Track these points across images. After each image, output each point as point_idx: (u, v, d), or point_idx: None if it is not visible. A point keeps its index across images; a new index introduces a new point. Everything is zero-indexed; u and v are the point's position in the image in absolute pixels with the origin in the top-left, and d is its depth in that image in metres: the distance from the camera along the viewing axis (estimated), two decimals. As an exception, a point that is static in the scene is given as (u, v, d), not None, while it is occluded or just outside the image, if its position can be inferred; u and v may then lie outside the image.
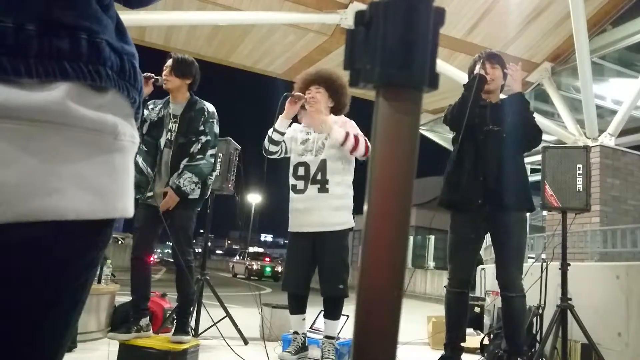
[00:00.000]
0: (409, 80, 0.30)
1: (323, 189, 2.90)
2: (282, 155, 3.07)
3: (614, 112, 7.24)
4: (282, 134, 2.94)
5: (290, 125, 3.03)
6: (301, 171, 2.98)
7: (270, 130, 2.95)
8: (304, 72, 3.20)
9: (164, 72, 3.18)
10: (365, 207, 0.31)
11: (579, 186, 3.59)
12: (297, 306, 3.00)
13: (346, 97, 3.10)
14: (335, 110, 3.07)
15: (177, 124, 3.19)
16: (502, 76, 3.03)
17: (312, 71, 3.16)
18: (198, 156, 3.11)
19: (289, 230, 3.06)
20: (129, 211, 0.55)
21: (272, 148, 2.98)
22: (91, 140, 0.49)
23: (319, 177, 2.92)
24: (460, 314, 2.89)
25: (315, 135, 2.99)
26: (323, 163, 2.92)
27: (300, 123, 3.19)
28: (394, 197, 0.29)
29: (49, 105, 0.46)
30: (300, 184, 2.98)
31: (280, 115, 2.91)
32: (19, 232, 0.44)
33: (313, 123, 2.95)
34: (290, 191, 3.03)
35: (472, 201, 2.80)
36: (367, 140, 2.95)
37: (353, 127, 3.02)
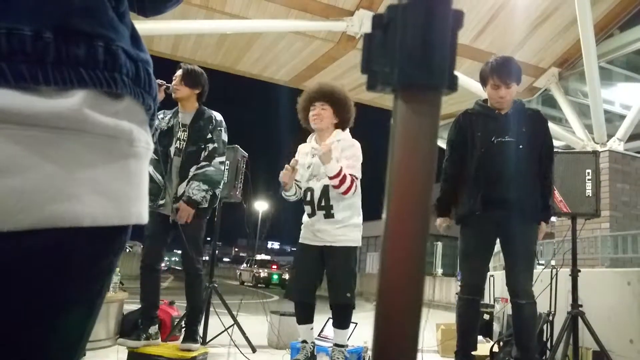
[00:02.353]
0: (429, 81, 0.30)
1: (329, 214, 2.94)
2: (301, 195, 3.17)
3: (622, 117, 7.19)
4: (293, 194, 3.09)
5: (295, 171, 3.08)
6: (308, 197, 3.03)
7: (283, 193, 3.08)
8: (305, 90, 3.18)
9: (174, 82, 3.22)
10: (384, 213, 0.30)
11: (589, 191, 3.56)
12: (305, 316, 2.99)
13: (350, 111, 3.10)
14: (339, 125, 3.08)
15: (186, 133, 3.22)
16: (516, 89, 2.91)
17: (315, 88, 3.12)
18: (204, 163, 3.14)
19: (300, 241, 3.12)
20: (144, 217, 0.55)
21: (290, 199, 3.11)
22: (107, 146, 0.50)
23: (323, 203, 2.95)
24: (471, 321, 2.87)
25: (317, 160, 2.98)
26: (325, 189, 2.94)
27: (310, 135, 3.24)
28: (414, 201, 0.29)
29: (67, 112, 0.46)
30: (308, 209, 3.04)
31: (283, 186, 3.01)
32: (36, 238, 0.44)
33: (322, 155, 2.93)
34: (304, 215, 3.13)
35: (480, 212, 2.79)
36: (353, 181, 2.94)
37: (353, 158, 3.01)
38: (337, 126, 3.07)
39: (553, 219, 6.33)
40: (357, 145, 3.05)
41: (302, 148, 3.19)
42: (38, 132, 0.44)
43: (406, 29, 0.30)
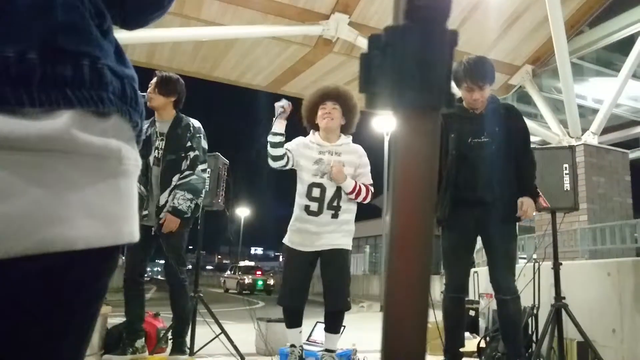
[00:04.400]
0: (428, 102, 0.30)
1: (335, 215, 2.93)
2: (288, 166, 2.99)
3: (595, 111, 7.36)
4: (281, 134, 2.90)
5: (286, 137, 2.99)
6: (316, 193, 2.93)
7: (269, 135, 2.91)
8: (317, 89, 3.17)
9: (149, 90, 3.18)
10: (387, 233, 0.31)
11: (567, 186, 3.63)
12: (294, 320, 2.98)
13: (356, 117, 3.14)
14: (344, 129, 3.10)
15: (164, 142, 3.18)
16: (489, 88, 2.93)
17: (331, 86, 3.16)
18: (187, 172, 3.11)
19: (290, 246, 3.00)
20: (135, 235, 0.54)
21: (275, 152, 2.88)
22: (96, 166, 0.49)
23: (334, 203, 2.93)
24: (458, 319, 2.90)
25: (329, 157, 2.97)
26: (340, 190, 2.94)
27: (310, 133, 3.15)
28: (416, 221, 0.30)
29: (54, 134, 0.45)
30: (314, 206, 2.92)
31: (275, 119, 2.89)
32: (29, 264, 0.43)
33: (336, 173, 2.93)
34: (302, 210, 2.95)
35: (459, 214, 2.82)
36: (368, 189, 3.04)
37: (366, 167, 3.09)
38: (341, 128, 3.09)
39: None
40: (362, 151, 3.10)
41: (301, 139, 3.12)
42: (25, 156, 0.44)
43: (405, 51, 0.30)
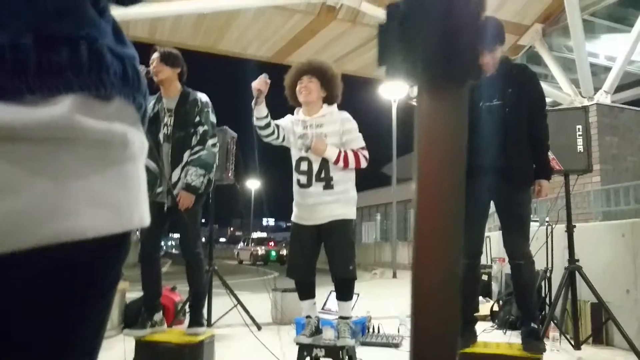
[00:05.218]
0: (454, 75, 0.28)
1: (328, 185, 2.92)
2: (280, 141, 3.06)
3: (608, 69, 7.20)
4: (264, 117, 2.93)
5: (270, 116, 2.99)
6: (304, 166, 2.97)
7: (254, 119, 2.96)
8: (294, 64, 3.17)
9: (153, 65, 3.14)
10: (412, 219, 0.29)
11: (580, 147, 3.58)
12: (306, 292, 3.02)
13: (338, 87, 3.09)
14: (327, 100, 3.07)
15: (172, 118, 3.16)
16: (501, 49, 2.86)
17: (304, 62, 3.13)
18: (197, 147, 3.11)
19: (293, 220, 3.07)
20: (146, 220, 0.53)
21: (264, 132, 2.98)
22: (101, 152, 0.47)
23: (322, 174, 2.93)
24: (473, 285, 2.91)
25: (312, 131, 2.98)
26: (325, 161, 2.93)
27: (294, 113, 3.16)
28: (445, 204, 0.28)
29: (56, 121, 0.43)
30: (303, 179, 2.96)
31: (254, 105, 2.91)
32: (40, 257, 0.42)
33: (315, 147, 2.91)
34: (295, 185, 3.01)
35: (472, 180, 2.79)
36: (357, 154, 2.97)
37: (352, 131, 3.01)
38: (324, 100, 3.05)
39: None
40: (345, 116, 3.05)
41: (289, 117, 3.16)
42: (27, 146, 0.42)
43: (426, 19, 0.28)
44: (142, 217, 0.53)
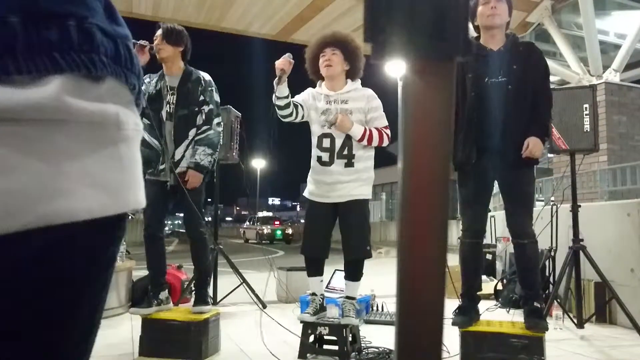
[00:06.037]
0: (443, 51, 0.27)
1: (349, 163, 2.91)
2: (300, 119, 3.01)
3: (617, 47, 7.07)
4: (286, 96, 2.87)
5: (288, 91, 2.94)
6: (326, 143, 2.94)
7: (275, 98, 2.89)
8: (319, 34, 3.10)
9: (156, 42, 3.11)
10: (399, 199, 0.29)
11: (587, 126, 3.54)
12: (315, 269, 3.03)
13: (361, 60, 3.03)
14: (350, 74, 3.01)
15: (174, 96, 3.15)
16: (507, 10, 2.83)
17: (328, 33, 3.06)
18: (204, 127, 3.11)
19: (309, 198, 3.04)
20: (141, 202, 0.53)
21: (283, 112, 2.91)
22: (94, 133, 0.47)
23: (345, 152, 2.90)
24: (476, 264, 2.91)
25: (337, 106, 2.94)
26: (350, 139, 2.91)
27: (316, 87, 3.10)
28: (431, 185, 0.27)
29: (45, 102, 0.43)
30: (325, 156, 2.94)
31: (277, 84, 2.84)
32: (33, 239, 0.42)
33: (340, 124, 2.89)
34: (315, 162, 2.98)
35: (476, 160, 2.76)
36: (381, 133, 2.96)
37: (378, 109, 2.99)
38: (347, 74, 3.01)
39: (550, 155, 6.34)
40: (371, 93, 3.01)
41: (311, 90, 3.10)
42: (16, 127, 0.42)
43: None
44: (138, 199, 0.53)
